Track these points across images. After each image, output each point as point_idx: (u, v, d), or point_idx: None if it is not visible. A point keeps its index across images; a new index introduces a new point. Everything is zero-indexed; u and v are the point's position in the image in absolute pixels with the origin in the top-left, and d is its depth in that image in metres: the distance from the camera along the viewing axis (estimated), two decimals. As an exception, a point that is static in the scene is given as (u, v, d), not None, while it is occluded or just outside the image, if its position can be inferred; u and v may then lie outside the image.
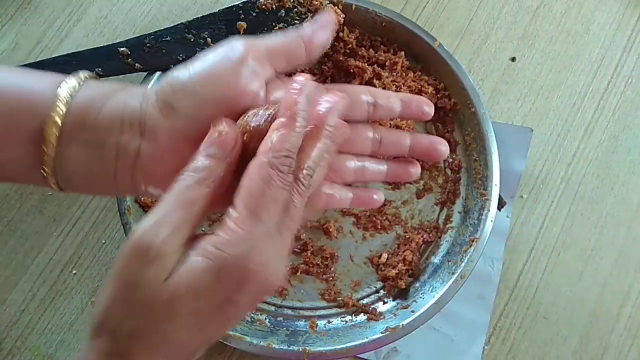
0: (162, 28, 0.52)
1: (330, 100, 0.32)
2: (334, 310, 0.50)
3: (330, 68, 0.55)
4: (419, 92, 0.53)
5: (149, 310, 0.27)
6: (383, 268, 0.50)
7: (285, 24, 0.52)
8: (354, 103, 0.38)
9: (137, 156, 0.32)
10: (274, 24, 0.52)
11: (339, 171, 0.38)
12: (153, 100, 0.32)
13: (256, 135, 0.31)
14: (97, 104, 0.32)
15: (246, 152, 0.31)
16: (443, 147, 0.41)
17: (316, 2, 0.49)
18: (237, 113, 0.32)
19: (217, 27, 0.52)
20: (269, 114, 0.32)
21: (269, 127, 0.30)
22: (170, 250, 0.28)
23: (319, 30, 0.36)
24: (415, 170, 0.42)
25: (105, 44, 0.52)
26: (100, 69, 0.51)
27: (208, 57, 0.33)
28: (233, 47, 0.33)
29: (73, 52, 0.52)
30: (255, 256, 0.28)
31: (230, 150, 0.31)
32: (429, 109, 0.40)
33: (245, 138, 0.31)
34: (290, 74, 0.36)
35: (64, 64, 0.51)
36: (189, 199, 0.29)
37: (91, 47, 0.52)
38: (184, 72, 0.32)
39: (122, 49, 0.51)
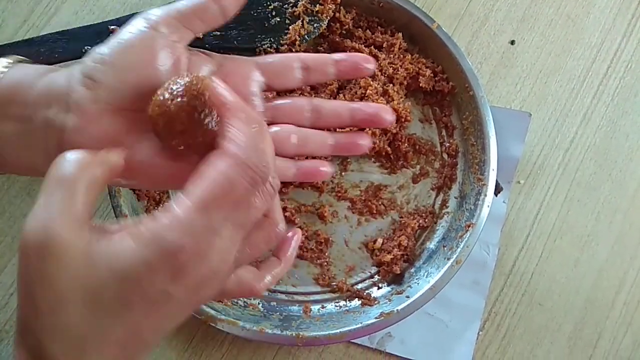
0: (153, 6, 0.51)
1: None
2: (328, 295, 0.49)
3: (326, 49, 0.54)
4: (417, 75, 0.52)
5: (66, 308, 0.25)
6: (378, 253, 0.50)
7: (281, 3, 0.51)
8: (284, 69, 0.39)
9: (64, 130, 0.32)
10: (268, 3, 0.51)
11: (278, 143, 0.36)
12: (78, 76, 0.33)
13: (164, 111, 0.30)
14: (27, 83, 0.33)
15: (158, 125, 0.31)
16: (387, 115, 0.40)
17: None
18: (158, 80, 0.32)
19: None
20: (178, 87, 0.30)
21: (179, 101, 0.30)
22: (71, 240, 0.26)
23: None
24: (365, 142, 0.41)
25: (95, 22, 0.51)
26: (89, 47, 0.49)
27: (124, 30, 0.34)
28: (145, 18, 0.34)
29: (62, 30, 0.50)
30: (195, 248, 0.26)
31: None
32: (368, 65, 0.40)
33: (155, 111, 0.31)
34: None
35: (54, 42, 0.50)
36: (80, 180, 0.27)
37: (81, 25, 0.51)
38: (103, 47, 0.33)
39: (112, 27, 0.50)
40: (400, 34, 0.53)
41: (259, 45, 0.51)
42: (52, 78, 0.33)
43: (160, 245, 0.26)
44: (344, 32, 0.54)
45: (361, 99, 0.51)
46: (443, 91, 0.53)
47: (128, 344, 0.27)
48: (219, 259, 0.28)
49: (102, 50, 0.33)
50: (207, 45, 0.51)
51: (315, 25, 0.51)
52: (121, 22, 0.50)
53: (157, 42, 0.33)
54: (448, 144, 0.53)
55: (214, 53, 0.38)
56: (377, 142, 0.51)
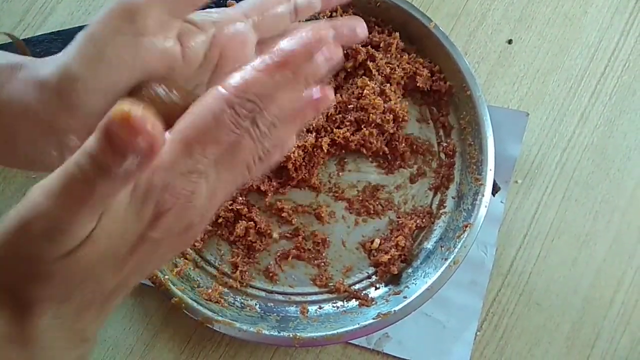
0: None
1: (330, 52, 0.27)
2: (325, 296, 0.49)
3: (323, 49, 0.54)
4: (414, 75, 0.52)
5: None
6: (375, 254, 0.50)
7: (277, 3, 0.50)
8: (275, 22, 0.34)
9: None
10: (265, 3, 0.50)
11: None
12: (52, 96, 0.28)
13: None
14: None
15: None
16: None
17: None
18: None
19: (208, 5, 0.51)
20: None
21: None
22: None
23: None
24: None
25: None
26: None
27: (97, 34, 0.28)
28: (122, 15, 0.28)
29: (58, 30, 0.50)
30: (175, 189, 0.25)
31: None
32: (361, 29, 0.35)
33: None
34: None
35: (49, 42, 0.50)
36: None
37: (77, 25, 0.51)
38: (74, 61, 0.28)
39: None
40: (397, 34, 0.53)
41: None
42: (21, 88, 0.29)
43: (145, 186, 0.24)
44: (341, 31, 0.53)
45: (358, 98, 0.51)
46: (440, 91, 0.52)
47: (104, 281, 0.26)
48: (202, 204, 0.26)
49: (75, 64, 0.28)
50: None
51: (312, 25, 0.51)
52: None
53: (144, 47, 0.28)
54: (445, 144, 0.53)
55: (205, 22, 0.32)
56: (374, 142, 0.51)
